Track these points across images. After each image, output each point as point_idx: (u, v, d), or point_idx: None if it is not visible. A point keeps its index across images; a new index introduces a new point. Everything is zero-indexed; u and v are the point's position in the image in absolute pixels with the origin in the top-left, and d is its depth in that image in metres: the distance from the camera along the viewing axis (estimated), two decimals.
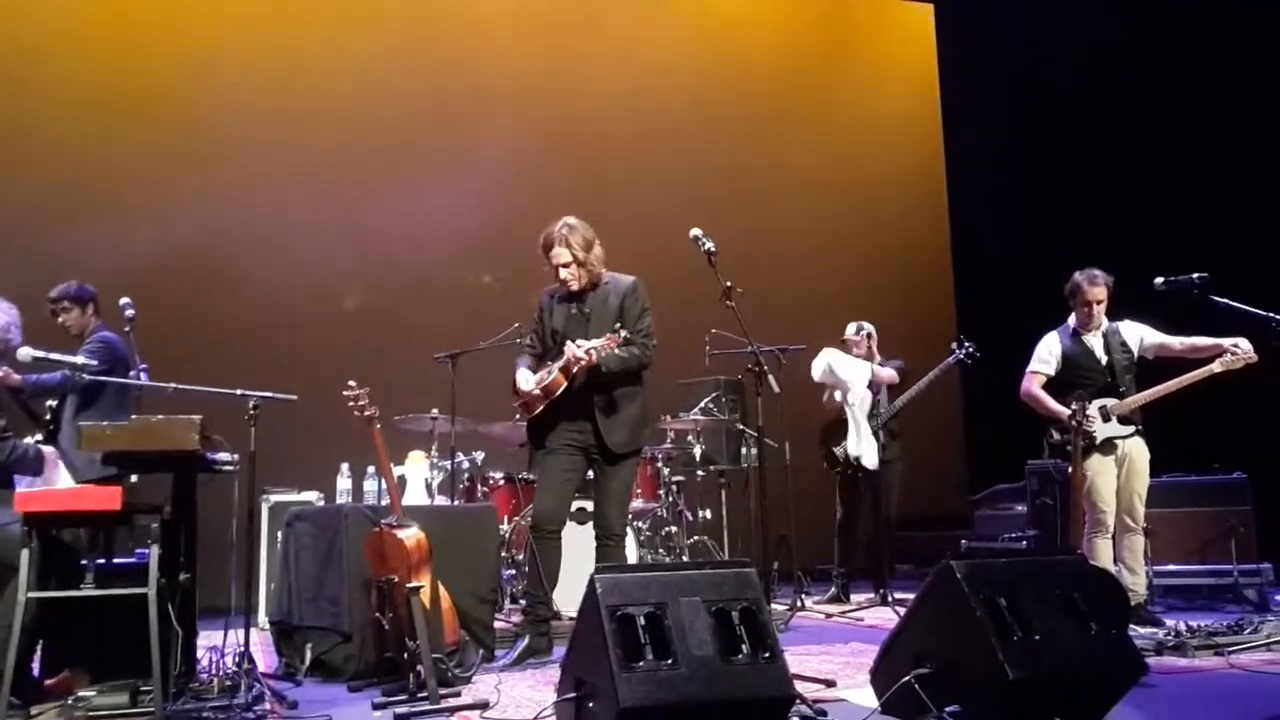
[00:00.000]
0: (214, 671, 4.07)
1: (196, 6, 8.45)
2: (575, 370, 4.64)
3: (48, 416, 4.81)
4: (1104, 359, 5.63)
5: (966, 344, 6.97)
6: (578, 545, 5.25)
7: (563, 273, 4.80)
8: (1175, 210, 8.19)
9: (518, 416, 5.12)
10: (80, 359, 4.73)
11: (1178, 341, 5.54)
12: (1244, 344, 5.26)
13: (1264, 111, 7.91)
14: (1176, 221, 8.06)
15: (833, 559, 7.17)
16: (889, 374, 6.97)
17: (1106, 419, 5.51)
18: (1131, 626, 4.99)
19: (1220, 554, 6.40)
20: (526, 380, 4.79)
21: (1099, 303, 5.63)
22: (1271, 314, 4.89)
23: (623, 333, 4.57)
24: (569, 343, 4.62)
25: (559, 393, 4.71)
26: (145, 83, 8.15)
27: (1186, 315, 5.28)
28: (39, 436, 4.78)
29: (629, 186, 9.00)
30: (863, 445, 6.88)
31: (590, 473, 4.97)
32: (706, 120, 9.66)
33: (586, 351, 4.54)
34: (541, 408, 4.80)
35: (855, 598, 6.88)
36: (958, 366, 7.07)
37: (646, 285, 4.92)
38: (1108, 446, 5.51)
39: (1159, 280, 5.09)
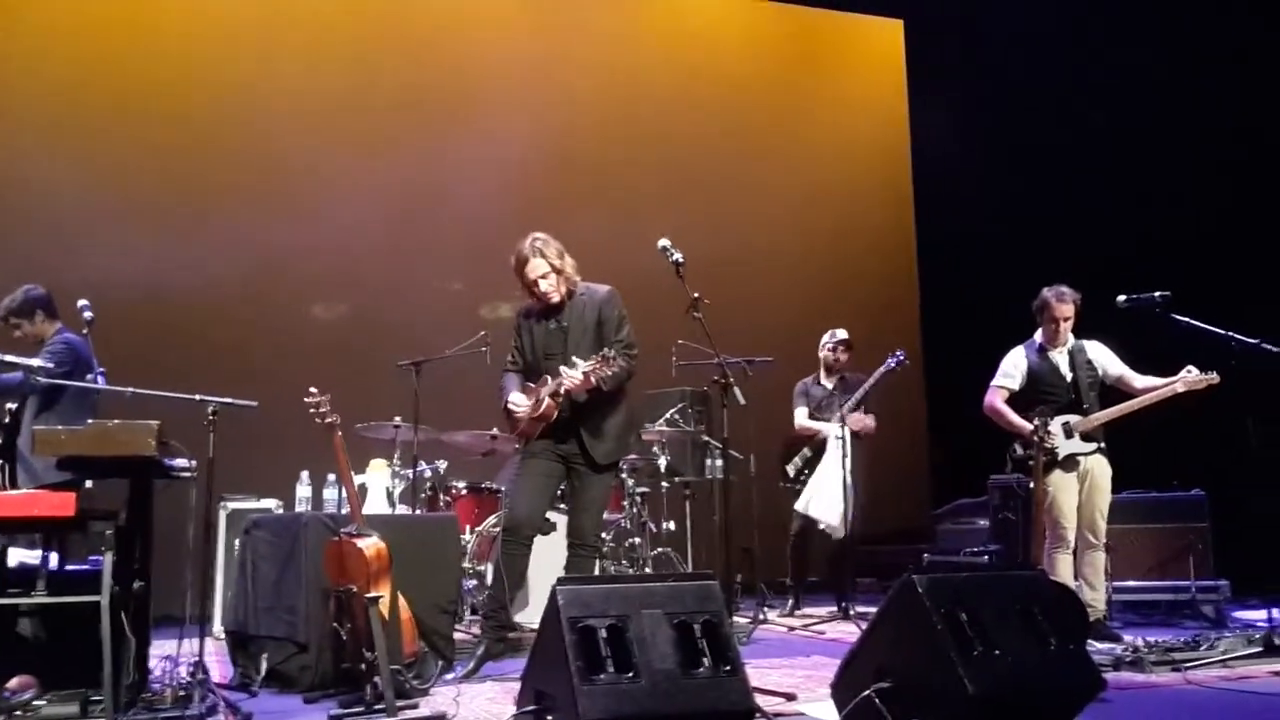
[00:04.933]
0: (167, 681, 4.00)
1: (166, 7, 8.36)
2: (573, 394, 4.63)
3: (7, 419, 4.73)
4: (1069, 376, 5.68)
5: (898, 353, 6.97)
6: (543, 556, 5.22)
7: (542, 284, 4.76)
8: (1145, 228, 8.26)
9: (515, 446, 5.08)
10: (37, 361, 4.66)
11: (1138, 381, 5.61)
12: (1193, 372, 5.35)
13: (1239, 133, 8.00)
14: (1145, 239, 8.12)
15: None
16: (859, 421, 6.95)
17: (1069, 435, 5.55)
18: (1090, 642, 5.03)
19: (1178, 570, 6.47)
20: (519, 404, 4.77)
21: (1066, 319, 5.68)
22: (1231, 333, 4.96)
23: (609, 353, 4.52)
24: (564, 369, 4.57)
25: (554, 417, 4.72)
26: (109, 85, 8.04)
27: (1147, 334, 5.33)
28: None
29: (598, 197, 8.98)
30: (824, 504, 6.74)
31: (564, 482, 4.96)
32: (675, 133, 9.67)
33: (584, 374, 4.50)
34: (536, 433, 4.79)
35: (817, 611, 6.88)
36: (891, 376, 7.01)
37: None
38: (1070, 463, 5.55)
39: (1121, 298, 5.16)
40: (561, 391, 4.62)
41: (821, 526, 6.75)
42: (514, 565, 4.78)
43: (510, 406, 4.81)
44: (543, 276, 4.75)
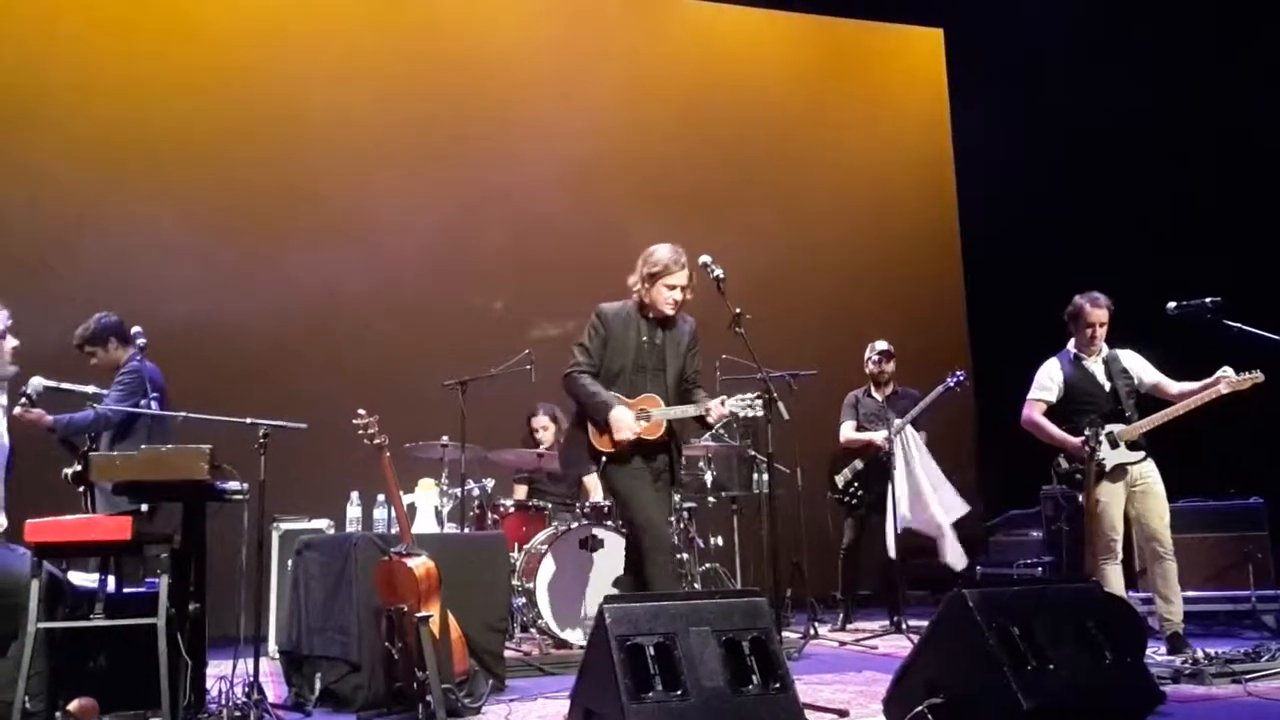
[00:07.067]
0: (223, 702, 4.05)
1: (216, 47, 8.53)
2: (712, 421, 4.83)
3: (86, 447, 4.83)
4: (1106, 385, 5.56)
5: (959, 373, 6.90)
6: (593, 573, 5.22)
7: (678, 295, 4.81)
8: (1193, 234, 8.12)
9: (601, 457, 4.82)
10: (92, 388, 4.75)
11: (1174, 387, 5.49)
12: (1229, 374, 5.24)
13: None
14: (1193, 246, 7.98)
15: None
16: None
17: (1114, 445, 5.44)
18: (1169, 656, 4.97)
19: (1238, 580, 6.35)
20: (626, 423, 4.66)
21: (1101, 325, 5.58)
22: None
23: (759, 398, 4.78)
24: (713, 403, 4.72)
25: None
26: (160, 122, 8.18)
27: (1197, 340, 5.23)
28: (77, 467, 4.81)
29: (638, 215, 8.96)
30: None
31: None
32: (715, 148, 9.67)
33: (731, 411, 4.72)
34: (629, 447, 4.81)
35: (869, 625, 6.82)
36: (950, 395, 6.94)
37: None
38: (1117, 473, 5.44)
39: (1171, 305, 5.06)
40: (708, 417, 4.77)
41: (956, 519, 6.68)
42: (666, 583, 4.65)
43: (621, 434, 4.66)
44: (682, 288, 4.81)
